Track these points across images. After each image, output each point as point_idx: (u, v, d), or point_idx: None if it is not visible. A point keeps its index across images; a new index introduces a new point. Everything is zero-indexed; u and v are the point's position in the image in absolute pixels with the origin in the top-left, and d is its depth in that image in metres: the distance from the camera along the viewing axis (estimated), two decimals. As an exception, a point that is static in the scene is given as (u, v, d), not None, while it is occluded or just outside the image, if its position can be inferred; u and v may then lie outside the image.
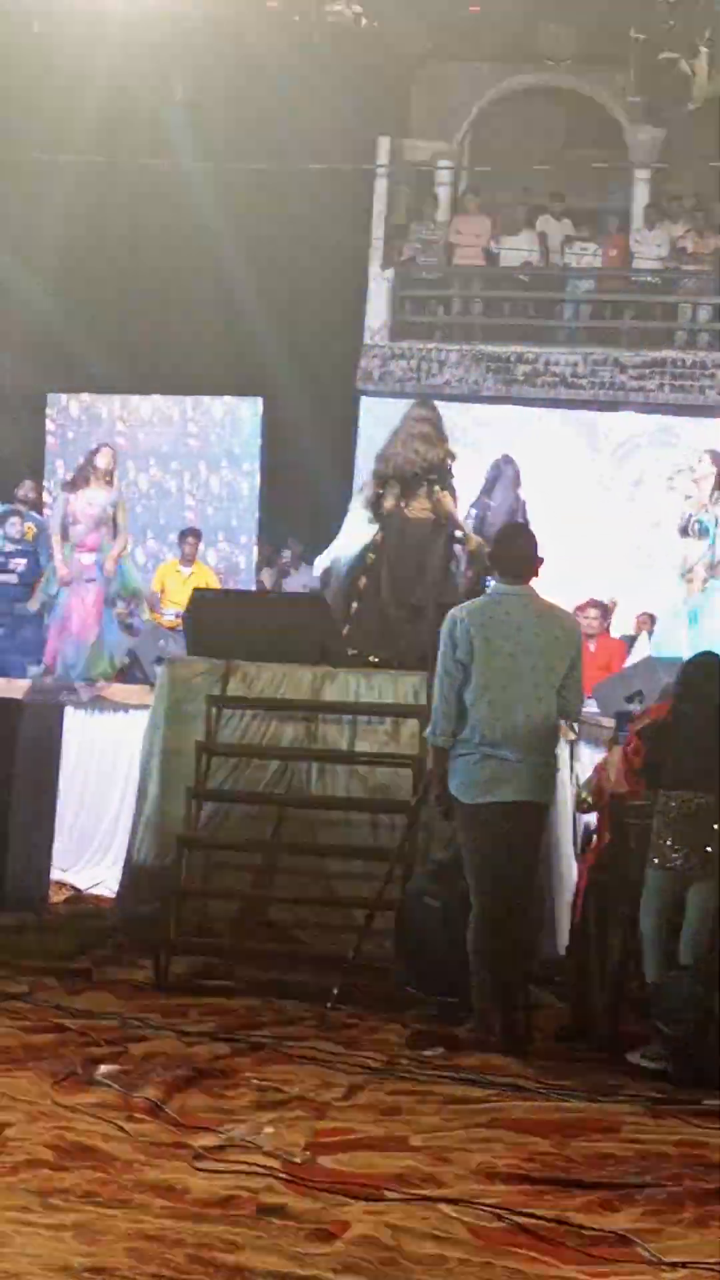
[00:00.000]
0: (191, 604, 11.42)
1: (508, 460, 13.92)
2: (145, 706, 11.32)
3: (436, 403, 12.94)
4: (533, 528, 12.35)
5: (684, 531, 13.31)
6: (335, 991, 8.58)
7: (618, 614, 14.54)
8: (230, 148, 19.48)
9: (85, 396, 20.63)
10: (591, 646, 13.24)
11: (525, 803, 7.91)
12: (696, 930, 7.74)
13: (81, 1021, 7.66)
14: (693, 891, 7.75)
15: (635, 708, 9.85)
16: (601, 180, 21.47)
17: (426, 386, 20.08)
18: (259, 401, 20.31)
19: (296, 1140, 5.77)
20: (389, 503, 11.88)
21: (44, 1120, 5.80)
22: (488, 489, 13.42)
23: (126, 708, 13.09)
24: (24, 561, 15.64)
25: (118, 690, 13.62)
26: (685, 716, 7.95)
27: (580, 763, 10.74)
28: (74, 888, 12.05)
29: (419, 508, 11.78)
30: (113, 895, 10.99)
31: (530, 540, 8.39)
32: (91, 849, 12.73)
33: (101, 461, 14.61)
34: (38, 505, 16.51)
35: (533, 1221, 4.97)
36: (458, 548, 11.89)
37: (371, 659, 11.26)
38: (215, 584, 16.53)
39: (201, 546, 17.07)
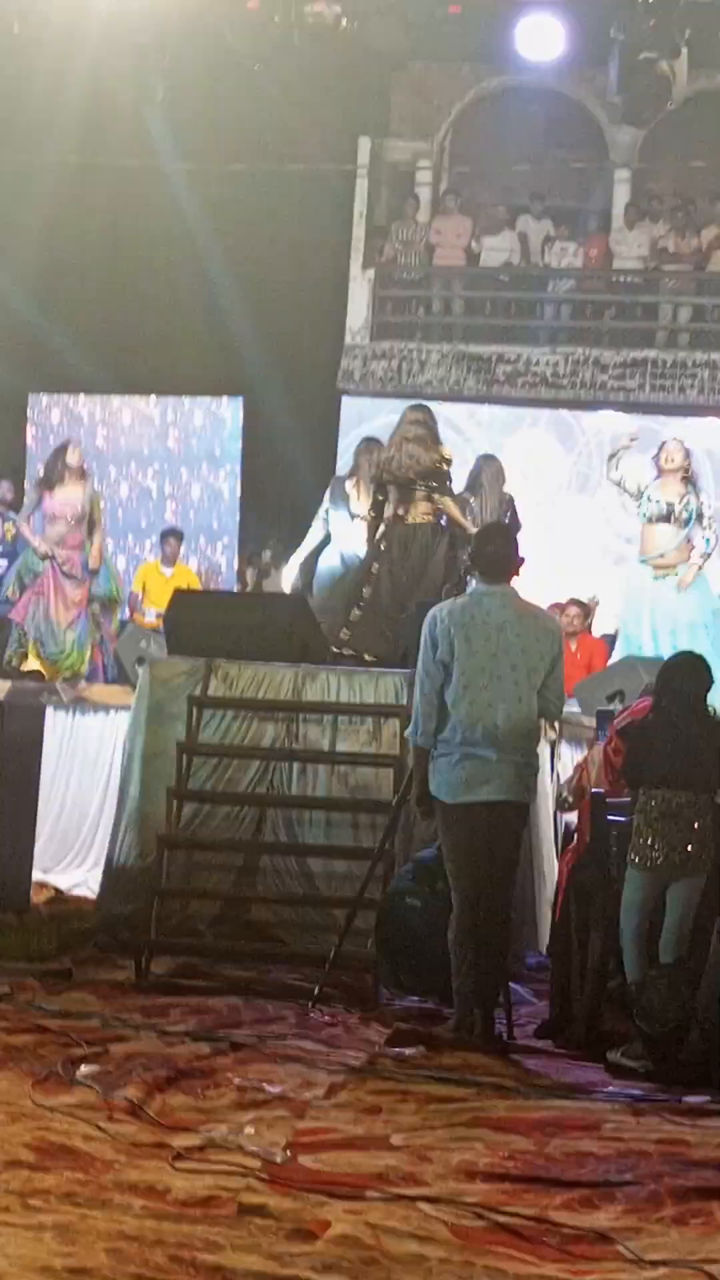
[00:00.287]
0: (172, 604, 11.40)
1: (489, 458, 13.92)
2: (126, 707, 11.31)
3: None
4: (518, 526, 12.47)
5: (664, 514, 13.29)
6: (316, 991, 8.59)
7: (599, 613, 14.55)
8: (210, 148, 19.47)
9: (65, 397, 20.61)
10: (573, 646, 13.26)
11: (506, 802, 7.91)
12: (677, 928, 7.76)
13: (62, 1022, 7.65)
14: (673, 890, 7.77)
15: (616, 707, 9.84)
16: (582, 180, 21.49)
17: (407, 387, 20.11)
18: (240, 402, 20.31)
19: (277, 1140, 5.78)
20: (388, 509, 11.87)
21: (24, 1121, 5.81)
22: (471, 487, 13.41)
23: (108, 708, 13.06)
24: (5, 562, 15.62)
25: (99, 691, 13.60)
26: (665, 715, 7.97)
27: (561, 762, 10.76)
28: (55, 888, 12.03)
29: (418, 513, 11.76)
30: (94, 896, 10.97)
31: (510, 540, 8.41)
32: (73, 850, 12.70)
33: (72, 459, 14.57)
34: (17, 506, 16.49)
35: (513, 1220, 4.97)
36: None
37: (366, 656, 11.28)
38: (197, 585, 16.52)
39: (183, 548, 17.05)
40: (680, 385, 19.80)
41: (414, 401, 13.04)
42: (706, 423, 19.11)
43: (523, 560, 8.33)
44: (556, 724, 9.85)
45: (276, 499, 19.37)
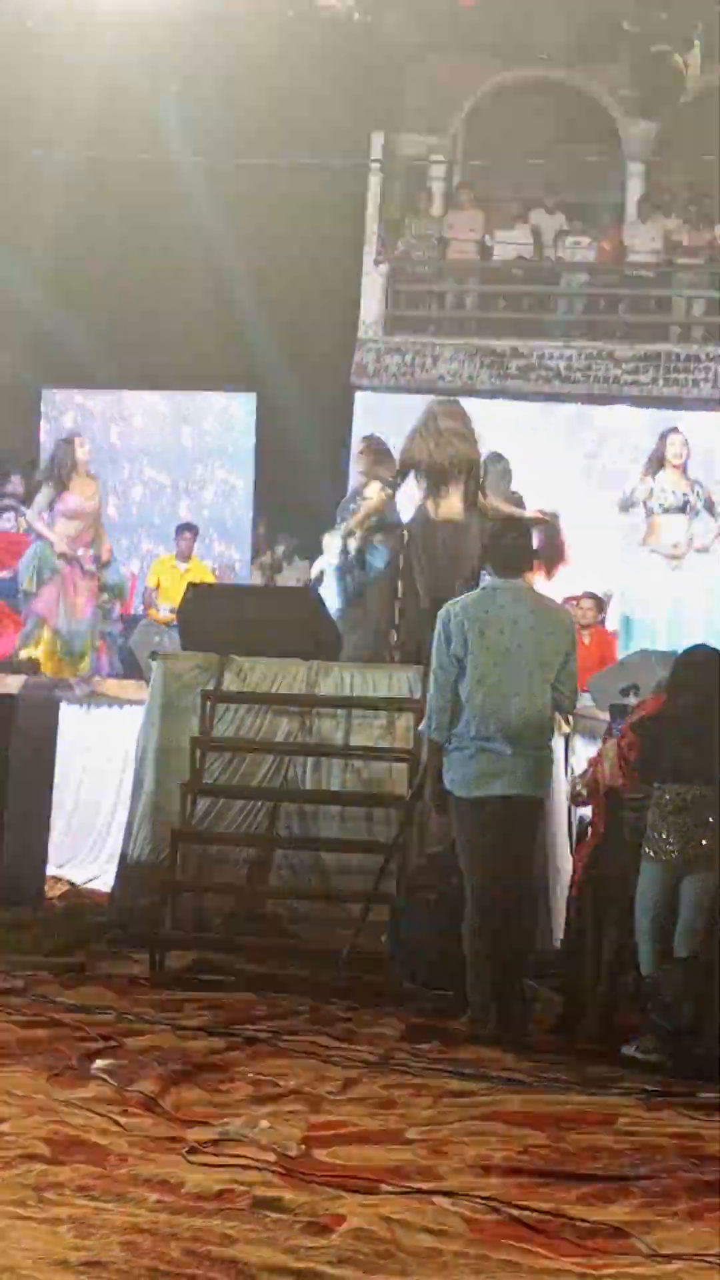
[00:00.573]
0: (186, 599, 11.41)
1: (497, 457, 13.90)
2: (140, 702, 11.32)
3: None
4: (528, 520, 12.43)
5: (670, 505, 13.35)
6: (329, 983, 8.59)
7: (611, 606, 14.56)
8: (223, 143, 19.47)
9: (78, 392, 20.61)
10: (586, 639, 13.25)
11: (520, 796, 7.91)
12: (691, 922, 7.74)
13: (77, 1016, 7.65)
14: (687, 884, 7.76)
15: (630, 700, 9.82)
16: (595, 174, 21.46)
17: (421, 381, 20.10)
18: (253, 397, 20.30)
19: (292, 1134, 5.77)
20: (418, 499, 11.73)
21: (39, 1114, 5.80)
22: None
23: (121, 703, 13.08)
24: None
25: (112, 685, 13.62)
26: (679, 709, 7.95)
27: (575, 756, 10.75)
28: (70, 883, 12.04)
29: (449, 507, 11.64)
30: (108, 890, 10.98)
31: (524, 534, 8.42)
32: (87, 844, 12.72)
33: (81, 454, 14.58)
34: (28, 500, 16.49)
35: (528, 1214, 4.96)
36: None
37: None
38: (211, 580, 16.53)
39: (197, 543, 17.05)
40: (694, 379, 19.77)
41: (443, 397, 12.92)
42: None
43: (536, 554, 8.33)
44: (570, 717, 9.83)
45: (289, 494, 19.37)
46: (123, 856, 10.51)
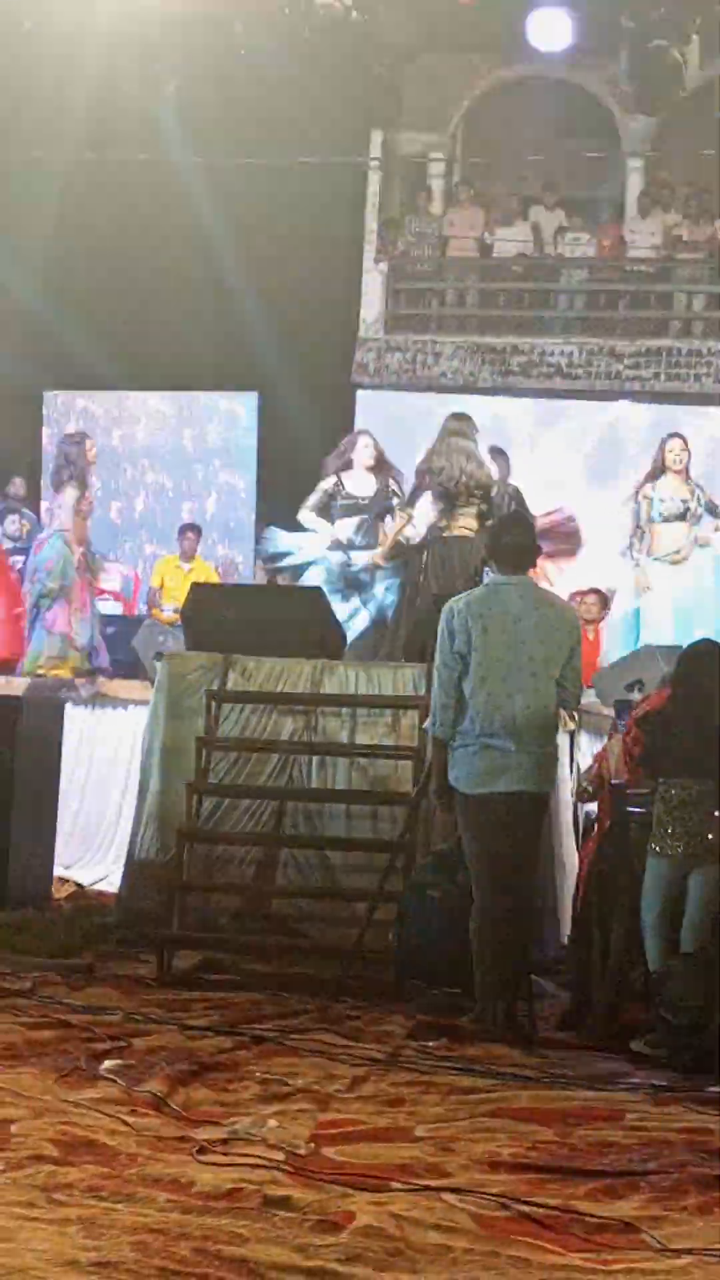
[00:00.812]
0: (190, 599, 11.42)
1: (498, 452, 13.92)
2: (145, 702, 11.32)
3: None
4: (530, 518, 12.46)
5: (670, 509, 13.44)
6: (337, 982, 8.60)
7: (616, 601, 14.58)
8: (222, 142, 19.45)
9: (80, 395, 20.61)
10: (590, 635, 13.26)
11: (526, 793, 7.90)
12: (698, 917, 7.75)
13: (85, 1017, 7.66)
14: (693, 879, 7.76)
15: (635, 696, 9.83)
16: (594, 170, 21.45)
17: (422, 379, 20.11)
18: (255, 396, 20.30)
19: (300, 1132, 5.78)
20: (433, 518, 11.95)
21: (48, 1115, 5.81)
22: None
23: (126, 704, 13.08)
24: (23, 559, 15.63)
25: (117, 686, 13.62)
26: (684, 704, 7.96)
27: (580, 752, 10.76)
28: (77, 884, 12.06)
29: (459, 525, 11.79)
30: (115, 891, 10.99)
31: (527, 530, 8.42)
32: (94, 845, 12.73)
33: (91, 454, 14.61)
34: (29, 502, 16.49)
35: (538, 1210, 4.97)
36: None
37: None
38: (214, 580, 16.53)
39: (199, 542, 17.05)
40: (696, 374, 19.77)
41: (456, 413, 12.99)
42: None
43: (540, 550, 8.33)
44: (575, 714, 9.84)
45: (292, 494, 19.33)
46: (129, 857, 10.52)
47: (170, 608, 15.33)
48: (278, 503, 19.61)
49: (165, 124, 19.31)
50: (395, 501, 12.81)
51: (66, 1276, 4.28)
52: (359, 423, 19.24)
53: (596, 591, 14.24)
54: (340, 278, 20.50)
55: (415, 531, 12.56)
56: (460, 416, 12.47)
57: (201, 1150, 5.48)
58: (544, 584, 11.52)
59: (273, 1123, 5.89)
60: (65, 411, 20.62)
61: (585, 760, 10.28)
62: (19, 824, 10.80)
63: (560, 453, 19.05)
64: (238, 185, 19.60)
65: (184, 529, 16.99)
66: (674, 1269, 4.55)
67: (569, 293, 20.68)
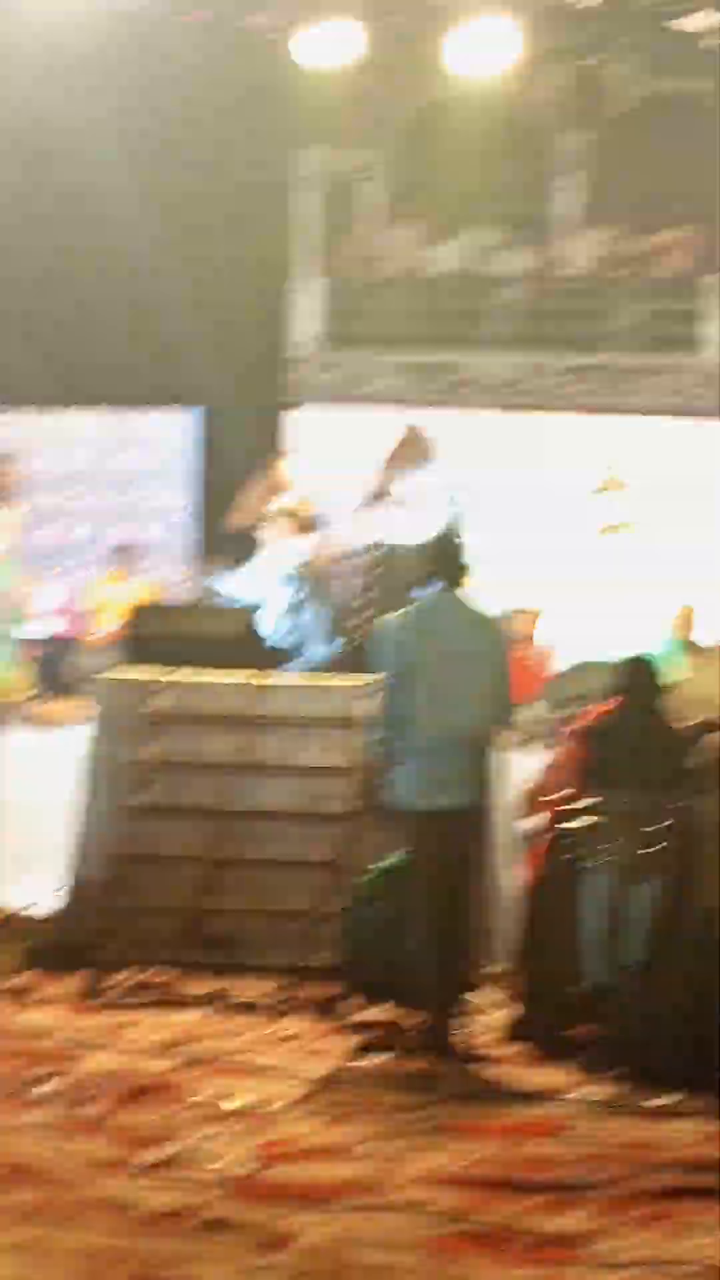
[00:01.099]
0: (127, 618, 11.36)
1: (430, 462, 13.96)
2: (80, 723, 11.25)
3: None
4: (467, 534, 12.48)
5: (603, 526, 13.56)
6: (276, 1001, 8.55)
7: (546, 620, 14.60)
8: (152, 162, 19.38)
9: (6, 415, 20.48)
10: (525, 651, 13.26)
11: (465, 808, 7.89)
12: (639, 931, 7.74)
13: (21, 1041, 7.59)
14: (634, 892, 7.76)
15: (573, 711, 9.83)
16: (530, 187, 21.49)
17: (358, 396, 20.11)
18: (191, 415, 20.25)
19: (242, 1152, 5.73)
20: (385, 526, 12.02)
21: (-14, 1140, 5.75)
22: (414, 497, 13.46)
23: (62, 724, 12.99)
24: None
25: (53, 708, 13.52)
26: (622, 718, 7.97)
27: (519, 767, 10.73)
28: (13, 907, 11.96)
29: (406, 538, 11.85)
30: (52, 913, 10.90)
31: (460, 547, 8.40)
32: (30, 867, 12.62)
33: (19, 476, 14.49)
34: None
35: (482, 1226, 4.94)
36: None
37: None
38: (151, 599, 16.45)
39: (136, 563, 16.98)
40: (633, 388, 19.85)
41: (410, 426, 13.06)
42: (657, 426, 19.18)
43: (472, 566, 8.32)
44: (512, 728, 9.82)
45: (228, 512, 19.30)
46: (68, 879, 10.44)
47: (106, 629, 15.26)
48: (215, 521, 19.58)
49: (91, 147, 19.24)
50: (322, 518, 12.87)
51: (5, 1303, 4.23)
52: (295, 440, 19.26)
53: (527, 610, 14.25)
54: (275, 295, 20.49)
55: (360, 544, 12.59)
56: (413, 429, 12.57)
57: (142, 1172, 5.43)
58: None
59: (214, 1143, 5.85)
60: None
61: (525, 774, 10.26)
62: (-46, 847, 10.70)
63: (497, 469, 19.05)
64: (169, 206, 19.56)
65: (118, 549, 16.93)
66: (619, 1283, 4.54)
67: (505, 309, 20.70)
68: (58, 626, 17.13)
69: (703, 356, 19.83)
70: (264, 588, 12.70)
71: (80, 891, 10.15)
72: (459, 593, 8.14)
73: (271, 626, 12.06)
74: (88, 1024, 8.23)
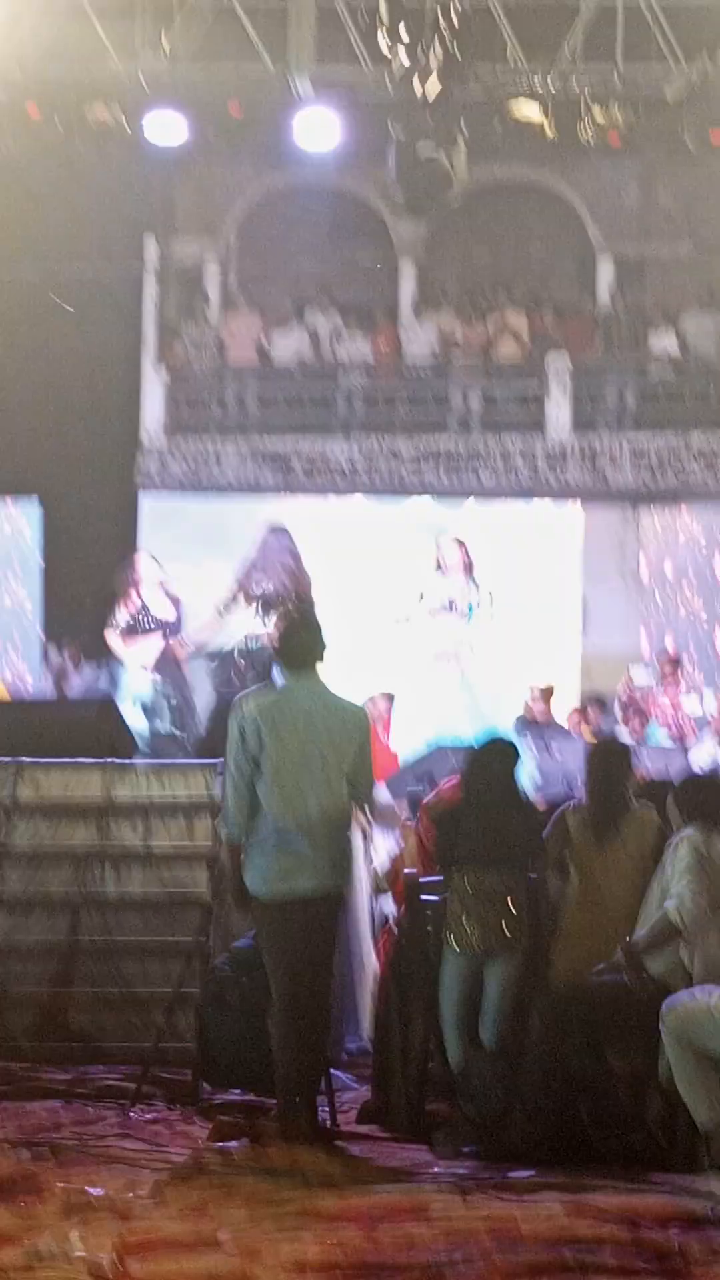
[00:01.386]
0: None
1: (278, 532, 14.12)
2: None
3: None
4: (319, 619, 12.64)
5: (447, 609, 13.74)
6: (136, 1089, 8.50)
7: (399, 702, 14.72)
8: (-1, 255, 19.46)
9: None
10: (381, 734, 13.34)
11: (321, 891, 7.89)
12: (496, 1010, 7.80)
13: None
14: (490, 971, 7.81)
15: (424, 788, 9.91)
16: (368, 273, 21.75)
17: (206, 483, 20.20)
18: (35, 503, 20.22)
19: (104, 1245, 5.69)
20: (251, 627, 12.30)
21: None
22: (261, 565, 13.62)
23: None
24: None
25: None
26: (474, 796, 8.03)
27: (374, 848, 10.77)
28: None
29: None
30: None
31: (315, 630, 8.44)
32: None
33: None
34: None
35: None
36: None
37: None
38: (3, 696, 16.33)
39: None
40: (474, 469, 20.10)
41: (275, 525, 13.29)
42: (500, 506, 19.47)
43: (326, 649, 8.38)
44: (368, 810, 9.88)
45: (78, 601, 19.25)
46: None
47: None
48: (63, 610, 19.51)
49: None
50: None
51: None
52: (143, 527, 19.28)
53: (384, 694, 14.37)
54: (121, 384, 20.55)
55: (228, 638, 12.86)
56: (280, 532, 12.85)
57: (2, 1273, 5.38)
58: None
59: (75, 1238, 5.80)
60: None
61: (379, 856, 10.31)
62: None
63: (343, 553, 19.17)
64: (13, 298, 19.59)
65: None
66: None
67: (348, 395, 20.90)
68: None
69: (546, 437, 20.14)
70: (129, 679, 12.83)
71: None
72: (314, 676, 8.18)
73: (133, 715, 12.15)
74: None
